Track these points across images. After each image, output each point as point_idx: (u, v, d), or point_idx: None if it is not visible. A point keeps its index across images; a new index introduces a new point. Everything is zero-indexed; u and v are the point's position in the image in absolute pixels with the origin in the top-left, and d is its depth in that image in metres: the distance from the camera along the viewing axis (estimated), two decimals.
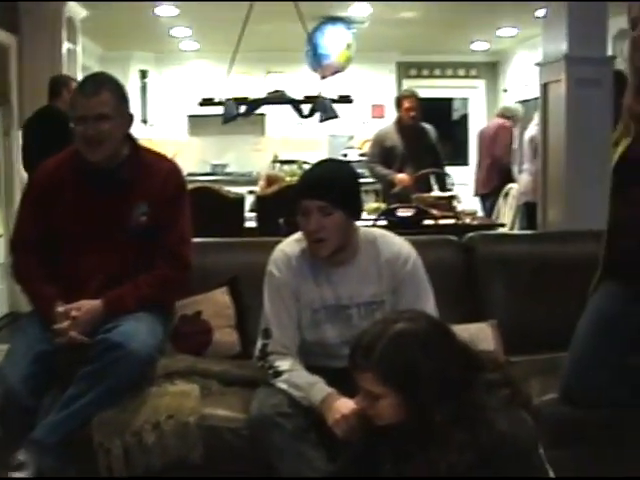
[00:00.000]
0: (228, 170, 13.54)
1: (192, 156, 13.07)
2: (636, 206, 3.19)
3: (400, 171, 7.89)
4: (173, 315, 3.86)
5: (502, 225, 8.19)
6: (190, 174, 11.07)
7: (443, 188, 7.99)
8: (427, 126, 8.27)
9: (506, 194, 9.24)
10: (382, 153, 8.10)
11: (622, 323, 3.33)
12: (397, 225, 5.92)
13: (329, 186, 3.26)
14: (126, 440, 3.26)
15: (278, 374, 3.24)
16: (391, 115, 13.56)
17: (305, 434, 3.09)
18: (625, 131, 3.33)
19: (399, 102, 8.19)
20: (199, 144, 13.77)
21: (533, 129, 8.83)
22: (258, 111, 8.48)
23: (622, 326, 3.33)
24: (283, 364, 3.26)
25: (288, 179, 7.87)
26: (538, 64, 6.06)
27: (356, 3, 9.82)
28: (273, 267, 3.42)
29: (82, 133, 3.57)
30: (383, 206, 7.42)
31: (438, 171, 7.92)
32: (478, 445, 2.49)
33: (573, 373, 3.42)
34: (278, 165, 13.07)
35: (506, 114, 10.39)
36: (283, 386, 3.20)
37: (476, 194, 10.44)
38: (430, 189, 7.74)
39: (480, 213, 9.26)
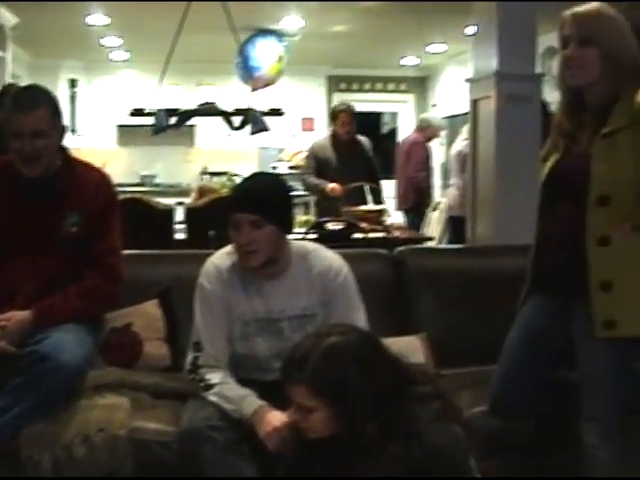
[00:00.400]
0: (157, 181, 13.46)
1: (121, 166, 12.95)
2: (563, 221, 3.23)
3: (331, 178, 7.88)
4: (103, 327, 3.83)
5: (431, 239, 8.25)
6: (118, 184, 10.93)
7: (379, 202, 8.03)
8: (363, 139, 8.29)
9: (435, 208, 9.31)
10: (316, 165, 8.10)
11: (549, 337, 3.37)
12: (327, 238, 5.92)
13: (261, 200, 3.27)
14: (56, 453, 3.22)
15: (209, 387, 3.23)
16: (321, 128, 13.73)
17: (236, 447, 3.08)
18: (554, 147, 3.38)
19: (334, 116, 8.20)
20: (128, 154, 13.67)
21: (461, 144, 8.88)
22: (188, 122, 8.46)
23: (549, 340, 3.37)
24: (214, 377, 3.26)
25: (225, 191, 7.84)
26: (468, 80, 6.12)
27: (288, 16, 9.84)
28: (204, 280, 3.41)
29: (19, 149, 3.54)
30: (313, 219, 7.43)
31: (369, 184, 7.94)
32: (410, 457, 2.51)
33: (501, 386, 3.46)
34: (207, 177, 13.04)
35: (423, 125, 10.25)
36: (214, 399, 3.19)
37: (397, 209, 10.44)
38: (364, 202, 7.76)
39: None
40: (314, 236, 6.30)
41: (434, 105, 14.10)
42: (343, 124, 8.03)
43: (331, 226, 6.75)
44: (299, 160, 13.66)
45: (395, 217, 8.92)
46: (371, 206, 7.56)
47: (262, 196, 3.29)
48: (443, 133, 11.52)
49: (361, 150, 8.21)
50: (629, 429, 3.23)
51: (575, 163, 3.20)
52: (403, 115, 14.72)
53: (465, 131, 8.72)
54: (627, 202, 3.08)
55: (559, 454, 3.46)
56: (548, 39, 7.74)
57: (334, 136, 8.14)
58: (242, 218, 3.24)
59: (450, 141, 10.73)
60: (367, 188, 7.75)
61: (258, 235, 3.24)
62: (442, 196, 9.64)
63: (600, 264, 3.10)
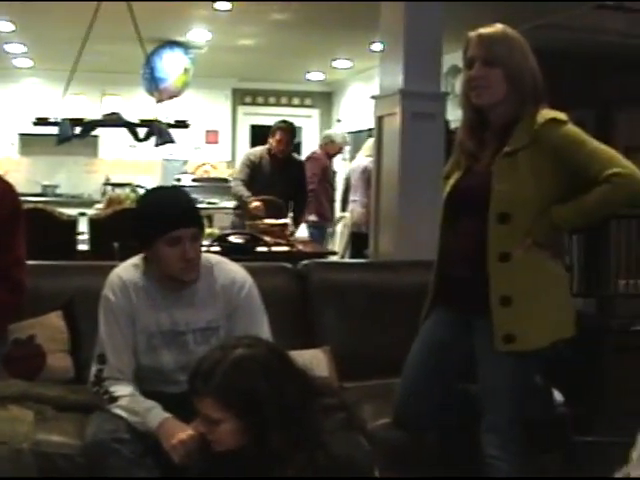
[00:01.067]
0: (59, 191, 13.26)
1: (22, 176, 12.67)
2: (465, 237, 3.30)
3: (262, 194, 8.05)
4: (5, 338, 3.78)
5: (334, 253, 8.32)
6: (20, 194, 10.77)
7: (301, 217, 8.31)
8: (297, 158, 8.67)
9: (337, 222, 9.38)
10: (250, 173, 8.30)
11: (452, 350, 3.43)
12: (230, 251, 5.92)
13: (197, 213, 3.34)
14: None
15: (114, 399, 3.21)
16: (225, 141, 13.74)
17: (142, 459, 3.07)
18: (456, 165, 3.46)
19: (272, 132, 8.39)
20: (30, 164, 13.42)
21: (365, 160, 8.94)
22: (92, 132, 8.38)
23: (451, 353, 3.44)
24: (118, 389, 3.24)
25: (128, 202, 7.78)
26: (374, 97, 6.17)
27: (195, 29, 9.83)
28: (109, 292, 3.38)
29: None
30: (217, 232, 7.44)
31: (272, 198, 8.02)
32: (316, 468, 2.53)
33: (405, 398, 3.51)
34: (110, 188, 12.90)
35: (325, 141, 10.35)
36: (119, 411, 3.17)
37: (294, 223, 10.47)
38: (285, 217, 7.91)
39: None
40: (217, 249, 6.29)
41: (339, 120, 14.18)
42: (279, 142, 8.27)
43: (234, 239, 6.74)
44: (203, 172, 13.66)
45: (303, 231, 9.02)
46: (274, 220, 7.62)
47: (196, 209, 3.36)
48: (347, 148, 11.58)
49: (294, 168, 8.50)
50: (529, 441, 3.32)
51: (476, 181, 3.28)
52: (307, 130, 14.77)
53: (367, 147, 8.83)
54: (527, 219, 3.17)
55: (461, 465, 3.52)
56: (452, 58, 7.86)
57: (270, 150, 8.35)
58: (186, 232, 3.24)
59: (353, 157, 10.77)
60: (291, 204, 7.95)
61: (197, 247, 3.30)
62: (345, 211, 9.67)
63: (500, 280, 3.17)
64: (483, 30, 3.32)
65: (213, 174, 13.65)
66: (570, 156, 3.16)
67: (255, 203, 7.92)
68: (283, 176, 8.26)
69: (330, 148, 10.07)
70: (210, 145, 13.74)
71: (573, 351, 3.49)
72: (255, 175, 8.24)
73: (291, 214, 8.23)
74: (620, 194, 3.14)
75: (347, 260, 8.46)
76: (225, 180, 13.31)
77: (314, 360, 3.86)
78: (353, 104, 13.42)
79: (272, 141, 8.31)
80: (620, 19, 9.14)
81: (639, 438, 2.69)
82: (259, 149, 8.58)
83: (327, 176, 9.96)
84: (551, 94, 3.31)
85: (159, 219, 3.27)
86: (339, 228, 9.58)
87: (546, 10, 7.83)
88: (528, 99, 3.23)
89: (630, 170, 3.13)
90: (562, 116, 3.23)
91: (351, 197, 9.45)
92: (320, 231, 9.75)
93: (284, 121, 8.57)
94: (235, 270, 3.50)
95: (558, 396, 3.87)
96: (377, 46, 7.47)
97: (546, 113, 3.22)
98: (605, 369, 5.75)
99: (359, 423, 2.86)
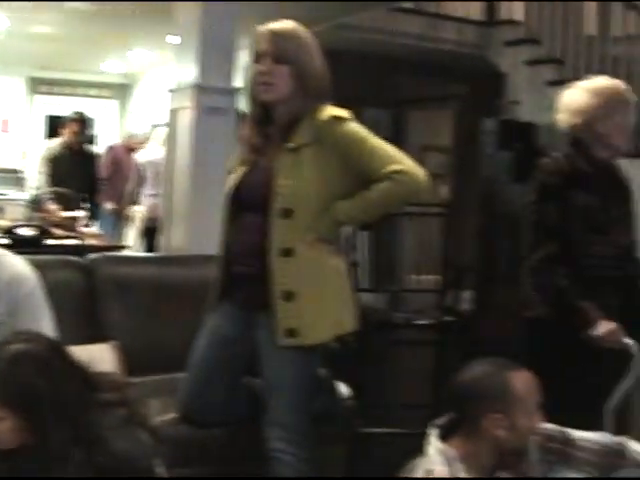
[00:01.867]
0: None
1: None
2: (248, 232, 3.31)
3: (60, 186, 8.09)
4: None
5: (124, 247, 8.24)
6: None
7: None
8: (89, 150, 8.96)
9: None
10: (52, 166, 8.43)
11: (237, 344, 3.45)
12: (19, 244, 5.76)
13: None
14: None
15: None
16: (17, 130, 13.46)
17: None
18: (242, 159, 3.46)
19: (65, 124, 8.52)
20: None
21: (158, 153, 8.88)
22: None
23: (237, 347, 3.45)
24: None
25: None
26: (169, 90, 6.14)
27: None
28: None
29: None
30: (6, 224, 7.25)
31: (65, 191, 7.92)
32: (95, 464, 2.50)
33: (191, 393, 3.51)
34: None
35: (126, 135, 10.43)
36: None
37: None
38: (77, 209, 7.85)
39: None
40: (6, 242, 6.10)
41: (130, 112, 14.09)
42: (73, 134, 8.46)
43: (23, 232, 6.57)
44: None
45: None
46: (66, 212, 7.52)
47: None
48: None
49: (88, 160, 8.79)
50: (315, 435, 3.36)
51: (261, 176, 3.30)
52: (104, 121, 14.56)
53: (162, 138, 8.79)
54: (310, 215, 3.21)
55: (249, 460, 3.54)
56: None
57: (65, 143, 8.51)
58: None
59: None
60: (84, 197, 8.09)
61: None
62: (138, 204, 9.55)
63: (283, 275, 3.20)
64: (273, 26, 3.35)
65: (5, 164, 13.31)
66: (351, 153, 3.22)
67: (51, 206, 7.83)
68: (78, 168, 8.37)
69: (130, 142, 10.01)
70: (3, 134, 13.39)
71: (361, 345, 3.57)
72: (54, 167, 8.30)
73: (88, 205, 8.19)
74: (400, 191, 3.23)
75: (136, 254, 8.36)
76: (16, 171, 13.02)
77: (100, 355, 3.79)
78: (152, 97, 13.30)
79: (65, 133, 8.34)
80: (415, 22, 9.42)
81: (430, 433, 2.76)
82: (56, 141, 8.60)
83: (122, 168, 9.84)
84: (347, 93, 3.37)
85: None
86: (134, 222, 9.45)
87: (343, 11, 7.96)
88: (313, 96, 3.28)
89: (410, 167, 3.22)
90: (344, 113, 3.28)
91: (149, 190, 9.34)
92: (112, 221, 9.67)
93: (76, 112, 8.63)
94: (17, 264, 3.39)
95: (344, 389, 3.94)
96: (175, 38, 7.42)
97: (329, 110, 3.27)
98: (390, 362, 5.93)
99: (140, 418, 2.83)
